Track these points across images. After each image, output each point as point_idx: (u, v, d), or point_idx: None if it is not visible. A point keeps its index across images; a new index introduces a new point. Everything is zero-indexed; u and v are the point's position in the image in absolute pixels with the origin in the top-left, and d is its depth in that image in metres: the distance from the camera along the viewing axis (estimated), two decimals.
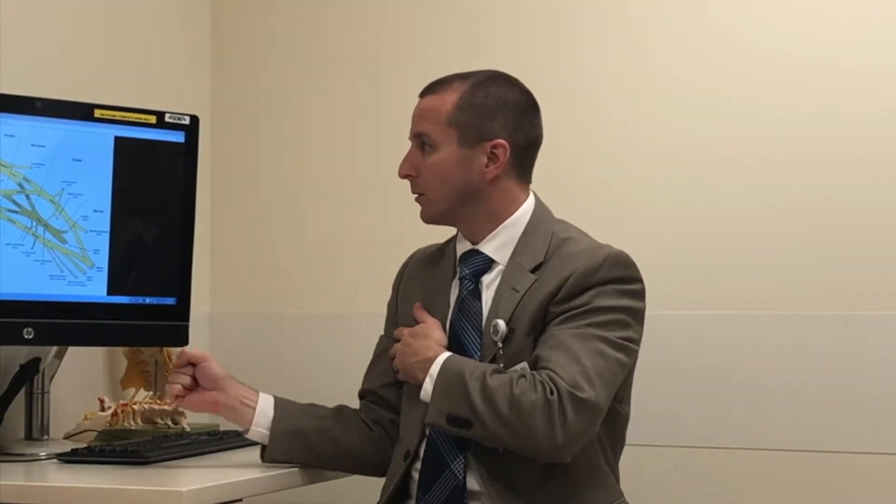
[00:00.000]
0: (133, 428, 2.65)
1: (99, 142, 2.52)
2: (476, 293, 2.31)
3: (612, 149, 2.92)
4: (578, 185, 2.90)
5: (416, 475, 2.28)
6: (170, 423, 2.71)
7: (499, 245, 2.32)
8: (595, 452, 2.25)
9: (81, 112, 2.51)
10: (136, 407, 2.68)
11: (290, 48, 3.24)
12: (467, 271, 2.33)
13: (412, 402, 2.28)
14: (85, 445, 2.48)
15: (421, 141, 2.32)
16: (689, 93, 2.86)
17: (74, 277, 2.49)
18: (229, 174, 3.26)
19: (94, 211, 2.51)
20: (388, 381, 2.39)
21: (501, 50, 2.98)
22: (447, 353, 2.23)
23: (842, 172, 2.74)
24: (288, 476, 2.32)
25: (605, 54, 2.93)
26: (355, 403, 2.45)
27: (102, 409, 2.71)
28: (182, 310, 2.60)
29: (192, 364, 2.31)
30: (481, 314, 2.28)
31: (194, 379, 2.31)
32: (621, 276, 2.24)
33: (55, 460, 2.40)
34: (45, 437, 2.58)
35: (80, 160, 2.50)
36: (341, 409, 2.41)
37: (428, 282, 2.40)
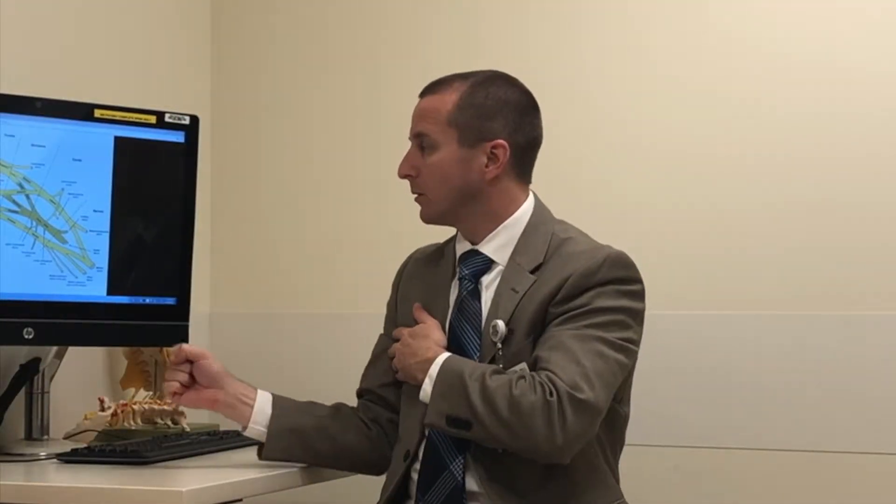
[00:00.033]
0: (133, 428, 2.65)
1: (99, 142, 2.52)
2: (475, 293, 2.31)
3: (612, 149, 2.92)
4: (578, 185, 2.90)
5: (415, 475, 2.28)
6: (170, 423, 2.71)
7: (498, 245, 2.32)
8: (594, 453, 2.25)
9: (81, 112, 2.51)
10: (136, 407, 2.68)
11: (290, 48, 3.24)
12: (467, 271, 2.33)
13: (412, 402, 2.28)
14: (85, 445, 2.48)
15: (421, 141, 2.32)
16: (689, 93, 2.86)
17: (74, 277, 2.49)
18: (229, 174, 3.26)
19: (94, 211, 2.51)
20: (387, 381, 2.39)
21: (501, 50, 2.98)
22: (446, 354, 2.23)
23: (842, 172, 2.74)
24: (288, 476, 2.32)
25: (605, 54, 2.93)
26: (355, 403, 2.44)
27: (102, 409, 2.71)
28: (182, 310, 2.60)
29: (190, 361, 2.31)
30: (481, 315, 2.28)
31: (192, 376, 2.31)
32: (621, 276, 2.24)
33: (55, 460, 2.40)
34: (45, 437, 2.58)
35: (80, 160, 2.50)
36: (339, 408, 2.41)
37: (427, 282, 2.40)
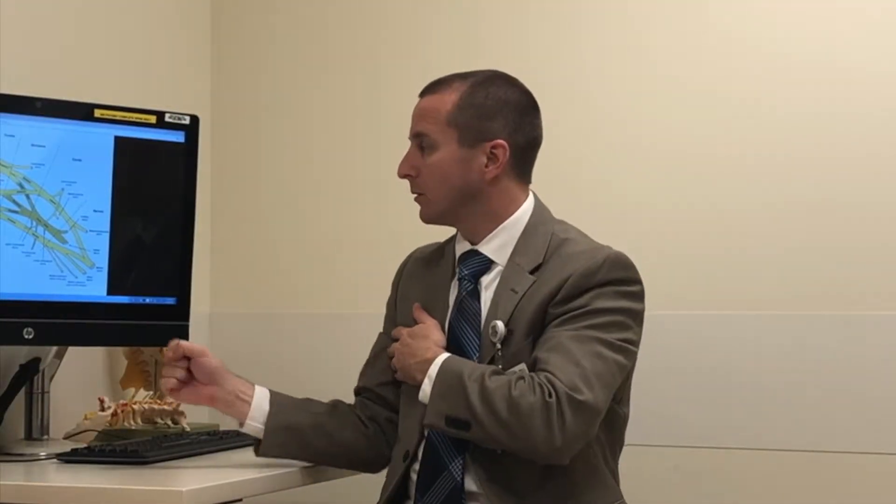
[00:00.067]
0: (133, 428, 2.65)
1: (99, 142, 2.52)
2: (475, 294, 2.31)
3: (612, 149, 2.92)
4: (578, 185, 2.90)
5: (414, 476, 2.28)
6: (170, 422, 2.71)
7: (498, 246, 2.32)
8: (594, 453, 2.25)
9: (81, 112, 2.52)
10: (136, 407, 2.68)
11: (290, 48, 3.24)
12: (466, 272, 2.33)
13: (411, 402, 2.28)
14: (85, 445, 2.48)
15: (420, 141, 2.31)
16: (689, 93, 2.86)
17: (74, 277, 2.49)
18: (229, 174, 3.26)
19: (94, 211, 2.51)
20: (385, 380, 2.39)
21: (501, 50, 2.98)
22: (446, 355, 2.23)
23: (842, 172, 2.74)
24: (288, 476, 2.32)
25: (605, 54, 2.93)
26: (353, 401, 2.44)
27: (102, 409, 2.71)
28: (182, 310, 2.60)
29: (187, 358, 2.30)
30: (480, 315, 2.28)
31: (189, 371, 2.30)
32: (620, 277, 2.24)
33: (55, 460, 2.40)
34: (45, 437, 2.58)
35: (80, 160, 2.50)
36: (336, 405, 2.40)
37: (427, 281, 2.40)
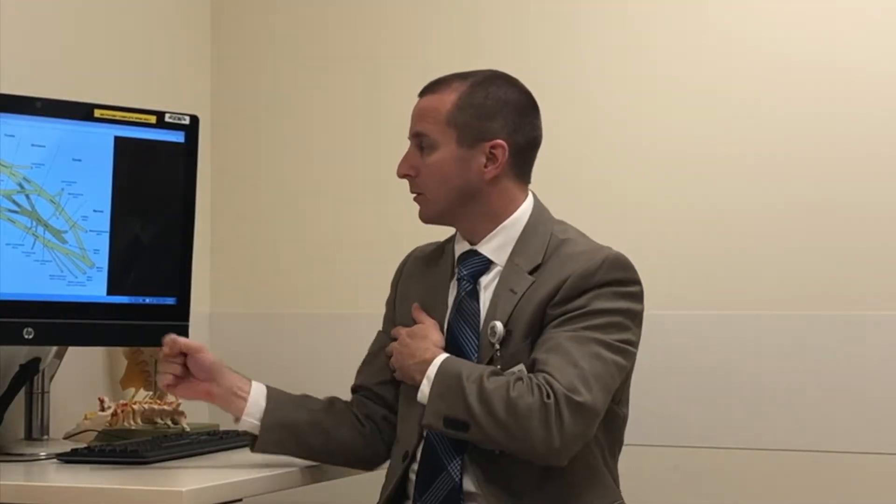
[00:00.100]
0: (133, 428, 2.65)
1: (99, 142, 2.52)
2: (474, 294, 2.30)
3: (612, 149, 2.92)
4: (578, 185, 2.90)
5: (413, 476, 2.28)
6: (170, 423, 2.71)
7: (497, 246, 2.32)
8: (593, 454, 2.25)
9: (81, 112, 2.52)
10: (136, 407, 2.68)
11: (290, 48, 3.24)
12: (465, 272, 2.33)
13: (410, 403, 2.28)
14: (85, 445, 2.48)
15: (420, 141, 2.31)
16: (689, 93, 2.86)
17: (74, 277, 2.49)
18: (229, 174, 3.26)
19: (94, 211, 2.51)
20: (384, 379, 2.39)
21: (501, 50, 2.98)
22: (444, 355, 2.23)
23: (842, 172, 2.74)
24: (288, 476, 2.32)
25: (605, 54, 2.93)
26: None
27: (102, 409, 2.71)
28: (182, 310, 2.60)
29: (183, 353, 2.30)
30: (479, 315, 2.28)
31: (185, 367, 2.30)
32: (619, 278, 2.24)
33: (55, 460, 2.40)
34: (45, 437, 2.58)
35: (80, 160, 2.50)
36: (333, 402, 2.40)
37: (426, 281, 2.40)
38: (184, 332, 2.56)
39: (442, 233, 2.44)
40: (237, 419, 2.30)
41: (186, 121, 2.61)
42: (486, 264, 2.32)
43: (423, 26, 3.11)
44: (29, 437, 2.57)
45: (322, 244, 3.18)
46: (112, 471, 2.27)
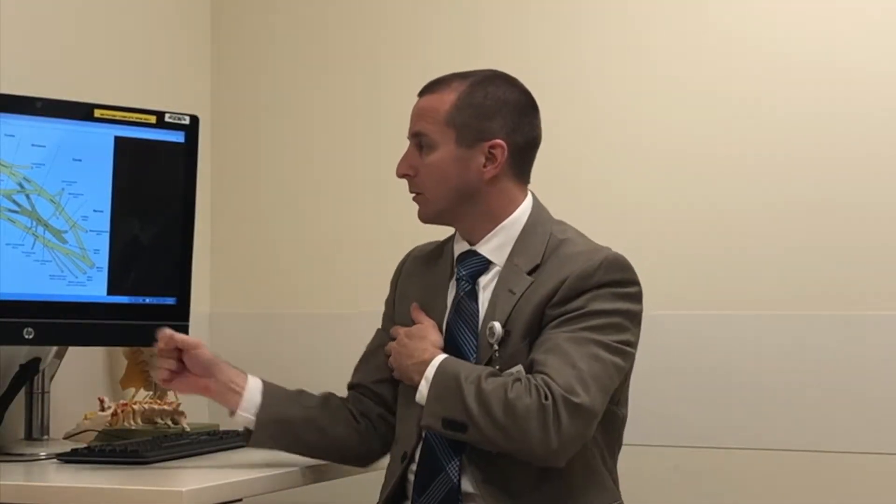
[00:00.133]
0: (133, 428, 2.65)
1: (99, 142, 2.52)
2: (473, 294, 2.30)
3: (612, 149, 2.92)
4: (578, 185, 2.90)
5: (412, 477, 2.28)
6: (170, 423, 2.71)
7: (496, 246, 2.31)
8: (592, 454, 2.25)
9: (81, 112, 2.52)
10: (136, 407, 2.68)
11: (290, 48, 3.24)
12: (464, 272, 2.32)
13: (408, 403, 2.27)
14: (85, 445, 2.48)
15: (419, 140, 2.31)
16: (689, 93, 2.86)
17: (74, 277, 2.49)
18: (229, 174, 3.27)
19: (94, 211, 2.51)
20: (381, 377, 2.38)
21: (501, 50, 2.98)
22: (443, 356, 2.23)
23: (842, 172, 2.74)
24: (288, 476, 2.32)
25: (605, 54, 2.93)
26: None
27: (102, 409, 2.71)
28: (182, 310, 2.60)
29: (178, 348, 2.30)
30: (478, 316, 2.28)
31: (181, 362, 2.30)
32: (618, 279, 2.23)
33: (55, 460, 2.40)
34: (45, 437, 2.58)
35: (80, 160, 2.50)
36: (329, 398, 2.39)
37: (426, 281, 2.39)
38: (184, 332, 2.55)
39: (441, 233, 2.43)
40: (232, 413, 2.30)
41: (186, 121, 2.61)
42: (485, 264, 2.31)
43: (423, 26, 3.11)
44: (29, 437, 2.57)
45: (322, 244, 3.18)
46: (112, 471, 2.27)
